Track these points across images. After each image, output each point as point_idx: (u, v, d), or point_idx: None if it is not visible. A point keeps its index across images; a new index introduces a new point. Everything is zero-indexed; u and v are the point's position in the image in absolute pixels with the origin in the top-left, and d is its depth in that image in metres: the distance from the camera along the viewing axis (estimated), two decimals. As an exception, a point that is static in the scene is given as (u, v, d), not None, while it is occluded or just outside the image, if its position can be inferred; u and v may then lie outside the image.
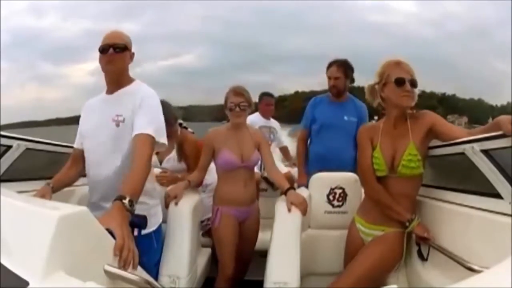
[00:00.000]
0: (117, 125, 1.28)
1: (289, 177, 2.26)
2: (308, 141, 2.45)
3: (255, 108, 2.66)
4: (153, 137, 1.23)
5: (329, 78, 2.30)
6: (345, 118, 2.28)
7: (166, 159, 2.11)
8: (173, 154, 2.10)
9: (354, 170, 2.15)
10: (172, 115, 1.91)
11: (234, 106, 1.75)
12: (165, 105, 1.42)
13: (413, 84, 1.39)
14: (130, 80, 1.37)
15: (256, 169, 2.29)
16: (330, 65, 2.33)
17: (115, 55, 1.29)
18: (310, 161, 2.40)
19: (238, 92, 1.78)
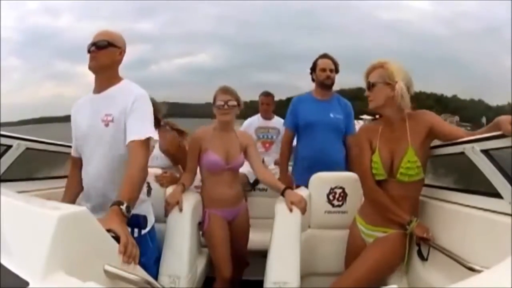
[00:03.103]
0: (106, 125, 1.26)
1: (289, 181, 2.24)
2: (294, 142, 2.37)
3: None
4: (148, 141, 1.23)
5: (324, 70, 2.22)
6: (331, 115, 2.20)
7: (150, 158, 2.10)
8: (157, 152, 2.06)
9: (345, 170, 2.10)
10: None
11: (223, 104, 1.74)
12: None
13: (369, 87, 1.42)
14: (118, 79, 1.35)
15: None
16: (322, 57, 2.27)
17: (97, 52, 1.28)
18: (297, 164, 2.32)
19: (226, 90, 1.77)
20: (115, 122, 1.26)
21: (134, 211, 1.14)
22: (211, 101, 1.80)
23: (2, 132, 1.45)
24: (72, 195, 1.39)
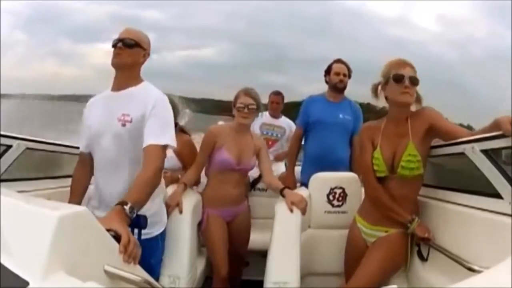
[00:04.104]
0: (123, 125, 1.23)
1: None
2: (303, 140, 2.47)
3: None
4: (165, 147, 1.22)
5: (338, 74, 2.30)
6: (340, 116, 2.29)
7: None
8: (169, 153, 2.06)
9: (349, 169, 2.17)
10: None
11: (243, 107, 1.75)
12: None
13: (413, 81, 1.37)
14: (139, 80, 1.33)
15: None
16: (337, 61, 2.36)
17: (123, 50, 1.26)
18: (304, 160, 2.43)
19: (249, 93, 1.78)
20: (133, 123, 1.23)
21: (147, 210, 1.14)
22: (209, 97, 1.85)
23: (2, 132, 1.45)
24: (79, 194, 1.38)
